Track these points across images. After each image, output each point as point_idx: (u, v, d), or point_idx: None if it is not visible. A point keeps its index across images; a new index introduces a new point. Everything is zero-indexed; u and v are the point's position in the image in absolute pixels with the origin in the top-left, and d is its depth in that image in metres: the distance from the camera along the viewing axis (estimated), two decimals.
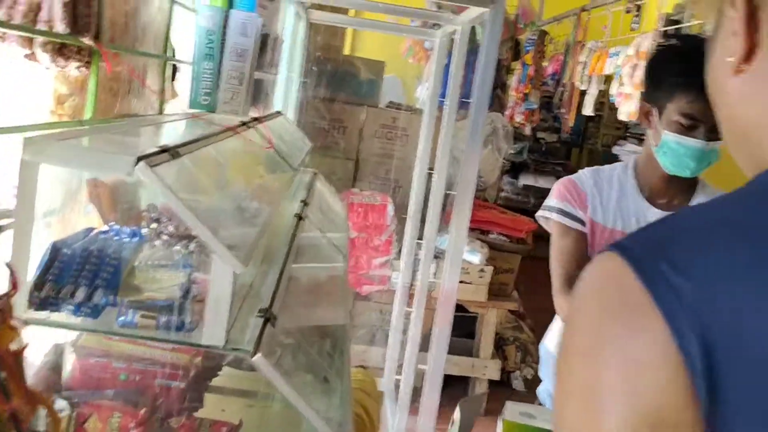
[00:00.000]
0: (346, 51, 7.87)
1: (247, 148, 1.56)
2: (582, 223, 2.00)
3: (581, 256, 1.96)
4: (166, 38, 1.67)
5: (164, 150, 0.91)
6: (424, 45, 6.59)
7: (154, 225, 1.02)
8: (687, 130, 1.78)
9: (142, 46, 1.49)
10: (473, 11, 3.13)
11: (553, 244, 2.02)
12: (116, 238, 0.95)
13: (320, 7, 4.08)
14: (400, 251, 4.41)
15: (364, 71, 5.20)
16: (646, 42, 3.56)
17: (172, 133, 1.35)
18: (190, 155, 1.03)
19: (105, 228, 1.00)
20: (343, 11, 4.64)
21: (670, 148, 1.81)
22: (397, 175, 5.14)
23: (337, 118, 5.09)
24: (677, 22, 5.64)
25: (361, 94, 5.13)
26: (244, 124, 1.72)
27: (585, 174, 2.08)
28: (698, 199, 1.94)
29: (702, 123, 1.76)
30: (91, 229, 0.98)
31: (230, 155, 1.34)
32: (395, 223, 4.52)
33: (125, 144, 1.04)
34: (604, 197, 1.99)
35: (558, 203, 2.04)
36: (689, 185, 1.96)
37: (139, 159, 0.81)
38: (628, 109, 3.78)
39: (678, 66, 1.80)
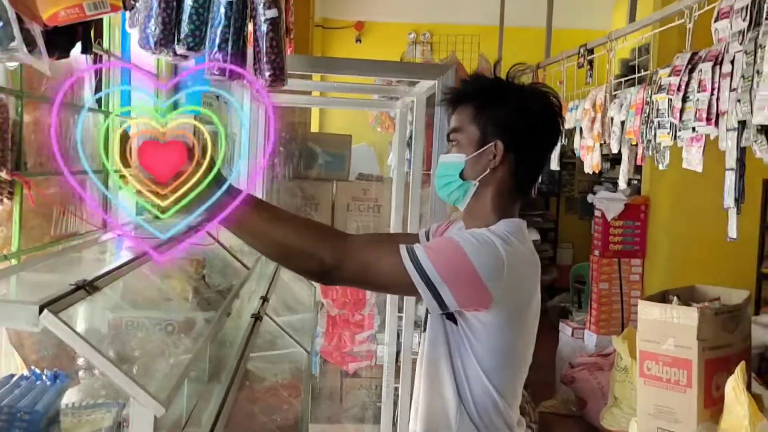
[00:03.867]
0: (315, 126, 7.96)
1: (191, 256, 1.53)
2: None
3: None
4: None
5: (79, 287, 0.88)
6: (390, 114, 6.67)
7: (81, 361, 0.98)
8: None
9: (77, 163, 1.47)
10: (426, 83, 3.17)
11: None
12: (38, 383, 0.91)
13: (280, 91, 4.11)
14: (383, 324, 4.36)
15: (331, 146, 5.23)
16: (601, 94, 3.60)
17: (101, 258, 1.32)
18: (112, 285, 0.99)
19: (26, 373, 0.96)
20: (306, 92, 4.68)
21: None
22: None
23: (308, 195, 5.08)
24: (635, 67, 5.75)
25: (329, 169, 5.14)
26: (191, 228, 1.68)
27: None
28: None
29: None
30: (11, 377, 0.94)
31: (166, 272, 1.30)
32: (375, 296, 4.47)
33: (38, 284, 1.01)
34: None
35: None
36: None
37: (44, 306, 0.77)
38: (590, 162, 3.80)
39: None
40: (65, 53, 1.07)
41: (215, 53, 1.58)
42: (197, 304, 1.49)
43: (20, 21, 0.86)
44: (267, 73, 1.64)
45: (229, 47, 1.58)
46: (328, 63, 2.98)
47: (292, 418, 1.47)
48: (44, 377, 0.92)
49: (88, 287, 0.89)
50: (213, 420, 1.07)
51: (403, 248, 1.57)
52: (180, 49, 1.59)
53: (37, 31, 0.92)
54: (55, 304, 0.79)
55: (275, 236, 1.48)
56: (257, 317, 1.69)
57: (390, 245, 1.60)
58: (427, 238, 1.92)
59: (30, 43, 0.89)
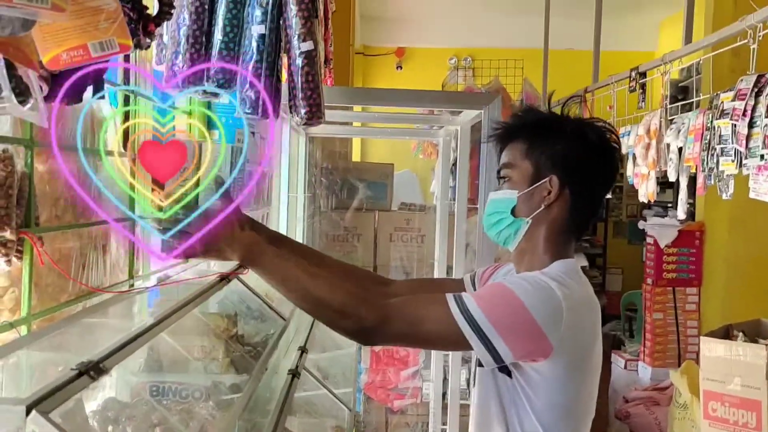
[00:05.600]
0: (356, 155, 7.89)
1: (221, 310, 1.41)
2: None
3: None
4: (131, 196, 1.56)
5: (82, 372, 0.76)
6: (433, 141, 6.54)
7: None
8: None
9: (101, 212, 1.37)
10: (471, 113, 3.04)
11: None
12: None
13: None
14: (428, 359, 4.21)
15: (373, 175, 5.13)
16: (656, 119, 3.42)
17: (122, 321, 1.20)
18: (130, 358, 0.87)
19: None
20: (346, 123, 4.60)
21: None
22: (418, 276, 4.98)
23: (351, 226, 4.98)
24: (686, 88, 5.53)
25: (371, 199, 5.03)
26: (223, 278, 1.57)
27: None
28: None
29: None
30: None
31: (194, 329, 1.18)
32: None
33: (41, 365, 0.90)
34: None
35: None
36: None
37: (32, 406, 0.65)
38: (645, 190, 3.61)
39: None
40: (77, 98, 0.97)
41: (247, 90, 1.47)
42: (229, 364, 1.36)
43: (10, 67, 0.76)
44: (303, 110, 1.52)
45: (262, 83, 1.47)
46: (369, 94, 2.88)
47: None
48: None
49: (94, 371, 0.77)
50: None
51: (450, 298, 1.44)
52: (210, 87, 1.48)
53: (32, 77, 0.81)
54: (48, 400, 0.67)
55: (308, 286, 1.36)
56: (295, 373, 1.56)
57: (435, 296, 1.47)
58: (473, 284, 1.78)
59: (22, 93, 0.78)
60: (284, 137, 3.40)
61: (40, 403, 0.66)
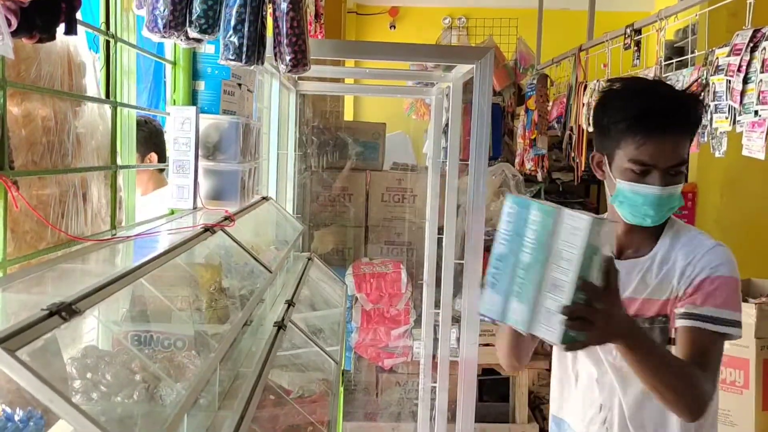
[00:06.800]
0: (348, 115, 7.82)
1: (207, 262, 1.38)
2: None
3: None
4: (113, 145, 1.52)
5: (53, 312, 0.73)
6: (425, 101, 6.48)
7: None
8: (640, 176, 1.63)
9: (78, 159, 1.34)
10: (463, 68, 2.99)
11: None
12: (9, 425, 0.77)
13: (310, 78, 3.96)
14: (419, 318, 4.21)
15: (365, 135, 5.08)
16: (650, 77, 3.37)
17: (93, 269, 1.18)
18: (101, 303, 0.84)
19: None
20: (335, 80, 4.53)
21: (626, 198, 1.67)
22: (410, 237, 4.97)
23: (342, 186, 4.95)
24: (681, 49, 5.46)
25: (363, 158, 4.99)
26: (207, 230, 1.54)
27: None
28: (664, 242, 1.76)
29: (654, 167, 1.62)
30: None
31: (177, 280, 1.16)
32: (410, 289, 4.31)
33: (10, 307, 0.87)
34: None
35: None
36: (655, 230, 1.77)
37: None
38: None
39: (622, 110, 1.66)
40: (48, 34, 0.93)
41: (230, 36, 1.43)
42: (213, 315, 1.34)
43: None
44: (288, 57, 1.48)
45: (246, 29, 1.43)
46: (359, 47, 2.82)
47: None
48: (16, 418, 0.78)
49: (65, 312, 0.75)
50: None
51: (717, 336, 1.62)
52: (192, 33, 1.44)
53: None
54: (16, 338, 0.65)
55: (670, 373, 1.52)
56: (281, 326, 1.54)
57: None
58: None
59: None
60: (273, 93, 3.35)
61: (6, 341, 0.63)
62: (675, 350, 1.67)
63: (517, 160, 5.76)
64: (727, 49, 2.59)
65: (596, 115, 1.77)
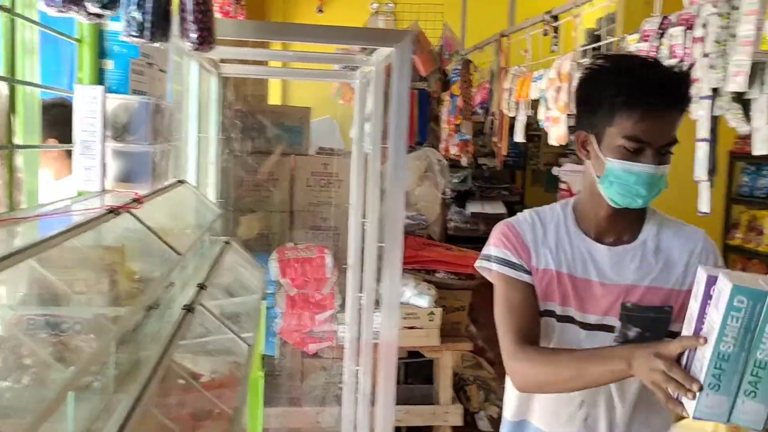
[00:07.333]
0: (276, 100, 7.72)
1: (109, 243, 1.35)
2: (527, 272, 1.75)
3: (531, 311, 1.72)
4: (8, 124, 1.47)
5: None
6: (351, 85, 6.46)
7: None
8: (633, 154, 1.58)
9: None
10: (384, 51, 2.99)
11: (498, 298, 1.76)
12: None
13: (232, 61, 3.90)
14: (345, 303, 4.21)
15: (290, 119, 5.03)
16: (567, 63, 3.45)
17: None
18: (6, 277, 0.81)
19: None
20: (258, 62, 4.47)
21: (617, 177, 1.60)
22: (336, 222, 4.95)
23: (267, 171, 4.89)
24: (600, 37, 5.60)
25: (288, 143, 4.95)
26: (111, 211, 1.50)
27: (525, 218, 1.82)
28: (650, 229, 1.74)
29: (648, 145, 1.57)
30: None
31: (77, 261, 1.13)
32: (336, 274, 4.31)
33: None
34: (548, 241, 1.76)
35: (498, 252, 1.78)
36: (637, 216, 1.74)
37: None
38: (557, 133, 3.66)
39: (616, 86, 1.59)
40: None
41: (132, 11, 1.39)
42: (115, 297, 1.31)
43: None
44: (193, 35, 1.45)
45: (149, 4, 1.39)
46: (278, 29, 2.78)
47: (222, 423, 1.31)
48: None
49: None
50: None
51: None
52: (92, 7, 1.39)
53: None
54: None
55: None
56: (189, 308, 1.52)
57: None
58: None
59: None
60: (192, 75, 3.28)
61: None
62: None
63: (442, 146, 5.82)
64: (637, 36, 2.67)
65: (584, 92, 1.71)
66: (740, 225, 5.79)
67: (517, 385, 1.69)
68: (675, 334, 1.60)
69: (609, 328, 1.70)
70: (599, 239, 1.74)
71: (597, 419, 1.73)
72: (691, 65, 2.34)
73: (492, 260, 1.79)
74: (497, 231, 1.82)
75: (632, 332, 1.68)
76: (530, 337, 1.68)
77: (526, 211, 1.87)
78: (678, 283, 1.69)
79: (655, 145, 1.57)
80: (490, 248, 1.81)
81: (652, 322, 1.67)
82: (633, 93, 1.56)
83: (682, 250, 1.71)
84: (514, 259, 1.76)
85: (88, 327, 1.16)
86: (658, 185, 1.60)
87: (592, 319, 1.71)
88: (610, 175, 1.61)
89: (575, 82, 3.57)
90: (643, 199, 1.61)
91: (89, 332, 1.16)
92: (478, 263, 1.84)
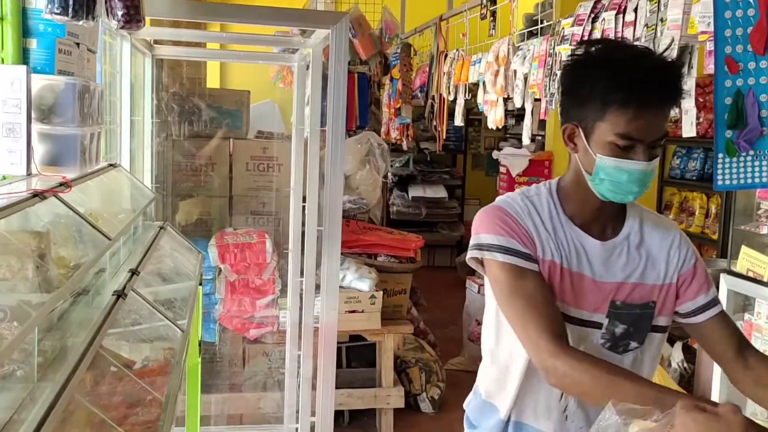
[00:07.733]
0: (215, 83, 7.61)
1: (32, 228, 1.31)
2: (535, 261, 1.62)
3: (554, 303, 1.60)
4: None
5: None
6: (291, 68, 6.40)
7: None
8: (623, 151, 1.50)
9: None
10: (321, 33, 2.97)
11: (507, 290, 1.61)
12: None
13: (166, 42, 3.82)
14: (285, 288, 4.19)
15: (228, 102, 4.95)
16: (504, 46, 3.48)
17: None
18: None
19: None
20: (195, 44, 4.38)
21: (608, 174, 1.53)
22: (277, 207, 4.91)
23: (205, 155, 4.81)
24: (537, 22, 5.67)
25: (226, 127, 4.87)
26: (36, 195, 1.45)
27: (518, 204, 1.68)
28: (633, 223, 1.69)
29: (640, 142, 1.49)
30: None
31: None
32: (276, 259, 4.28)
33: None
34: (547, 230, 1.65)
35: (500, 240, 1.62)
36: (620, 207, 1.69)
37: None
38: (494, 117, 3.70)
39: (608, 80, 1.48)
40: None
41: None
42: (40, 283, 1.27)
43: None
44: (120, 12, 1.41)
45: None
46: (206, 8, 2.72)
47: (154, 410, 1.29)
48: None
49: None
50: (38, 423, 0.88)
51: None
52: None
53: None
54: None
55: None
56: (120, 294, 1.49)
57: None
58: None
59: None
60: (125, 57, 3.20)
61: None
62: (716, 341, 1.66)
63: (383, 129, 5.82)
64: (571, 20, 2.71)
65: (570, 82, 1.59)
66: (672, 206, 5.95)
67: (554, 382, 1.54)
68: (658, 328, 1.67)
69: (597, 325, 1.65)
70: (586, 229, 1.67)
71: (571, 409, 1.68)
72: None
73: (494, 250, 1.63)
74: (492, 217, 1.67)
75: (619, 329, 1.65)
76: (564, 334, 1.56)
77: (515, 196, 1.73)
78: (660, 278, 1.67)
79: (647, 141, 1.50)
80: (486, 237, 1.65)
81: (638, 318, 1.64)
82: (627, 90, 1.47)
83: (662, 244, 1.69)
84: (521, 248, 1.62)
85: (11, 314, 1.13)
86: (649, 179, 1.55)
87: (584, 315, 1.65)
88: (601, 172, 1.54)
89: (513, 66, 3.62)
90: (634, 195, 1.56)
91: (12, 320, 1.13)
92: (470, 254, 1.70)
